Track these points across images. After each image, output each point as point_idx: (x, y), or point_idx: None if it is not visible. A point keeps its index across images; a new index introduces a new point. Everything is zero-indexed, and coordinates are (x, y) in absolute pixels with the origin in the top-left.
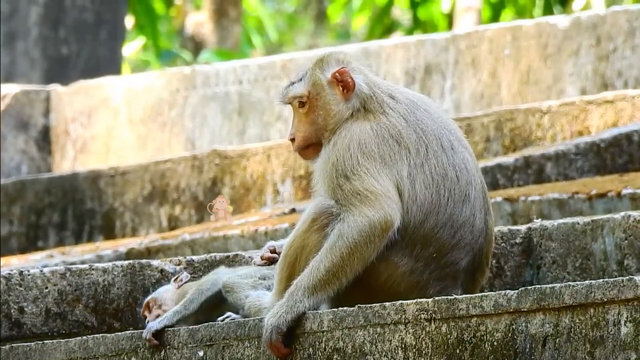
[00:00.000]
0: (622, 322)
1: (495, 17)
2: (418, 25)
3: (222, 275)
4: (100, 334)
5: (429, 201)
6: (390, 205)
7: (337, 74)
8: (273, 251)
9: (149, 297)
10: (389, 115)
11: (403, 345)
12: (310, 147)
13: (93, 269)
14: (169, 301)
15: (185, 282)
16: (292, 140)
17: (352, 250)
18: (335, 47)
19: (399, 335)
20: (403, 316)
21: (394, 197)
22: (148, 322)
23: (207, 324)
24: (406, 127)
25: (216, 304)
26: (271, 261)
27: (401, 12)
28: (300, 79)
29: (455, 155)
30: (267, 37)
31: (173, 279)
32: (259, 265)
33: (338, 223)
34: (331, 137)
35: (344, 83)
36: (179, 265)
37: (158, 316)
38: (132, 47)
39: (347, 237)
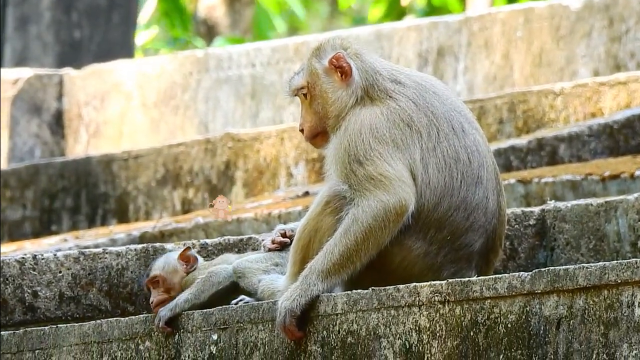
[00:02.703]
0: (636, 304)
1: (509, 2)
2: (432, 10)
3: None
4: (114, 318)
5: (442, 184)
6: (405, 190)
7: (333, 60)
8: (284, 235)
9: (158, 273)
10: (397, 100)
11: (417, 328)
12: (318, 136)
13: (107, 253)
14: (177, 286)
15: (196, 267)
16: (302, 131)
17: (367, 234)
18: (345, 30)
19: (413, 318)
20: (417, 299)
21: (408, 181)
22: (151, 301)
23: (221, 307)
24: (416, 111)
25: (229, 288)
26: (282, 245)
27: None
28: (301, 70)
29: (466, 138)
30: (288, 19)
31: (180, 253)
32: (269, 248)
33: (352, 208)
34: (341, 123)
35: (341, 69)
36: (193, 248)
37: (164, 300)
38: (146, 36)
39: (361, 222)
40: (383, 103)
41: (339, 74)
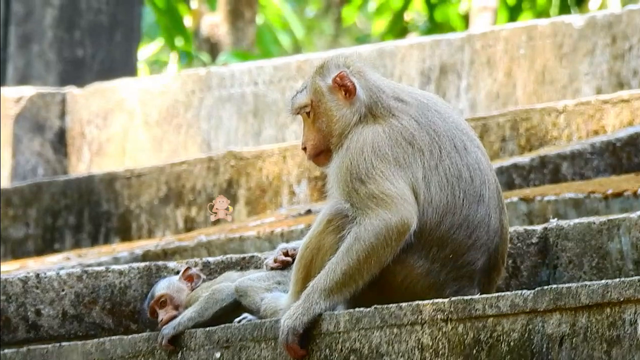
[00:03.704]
0: (639, 322)
1: (512, 20)
2: (435, 27)
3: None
4: (117, 336)
5: (444, 203)
6: (407, 208)
7: (337, 79)
8: (286, 254)
9: (163, 292)
10: (400, 118)
11: (420, 346)
12: (321, 155)
13: (109, 271)
14: (184, 303)
15: (200, 285)
16: (304, 149)
17: (369, 253)
18: (348, 48)
19: (416, 336)
20: (419, 317)
21: (410, 199)
22: (160, 319)
23: (223, 325)
24: (418, 129)
25: (232, 306)
26: (284, 264)
27: (417, 15)
28: (304, 89)
29: (468, 156)
30: (290, 36)
31: (181, 273)
32: (272, 267)
33: (355, 226)
34: (343, 142)
35: (345, 87)
36: (195, 266)
37: (174, 317)
38: (150, 49)
39: (363, 240)
40: (386, 121)
41: (343, 93)
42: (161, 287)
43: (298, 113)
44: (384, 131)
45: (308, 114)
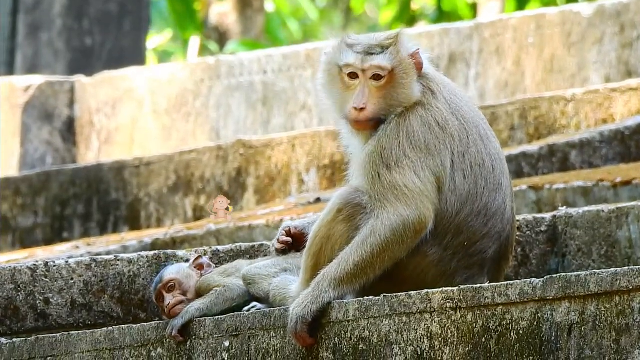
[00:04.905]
0: None
1: (520, 9)
2: (442, 16)
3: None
4: (126, 325)
5: (467, 191)
6: (426, 206)
7: (414, 55)
8: (288, 232)
9: (173, 277)
10: (439, 100)
11: (429, 334)
12: (372, 122)
13: (118, 260)
14: (193, 289)
15: (209, 273)
16: (361, 109)
17: (383, 248)
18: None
19: (425, 324)
20: (429, 305)
21: (431, 195)
22: (167, 304)
23: (232, 314)
24: (450, 114)
25: (240, 305)
26: (286, 244)
27: (425, 4)
28: (382, 51)
29: (490, 144)
30: (300, 24)
31: (192, 261)
32: (277, 248)
33: (372, 219)
34: (398, 117)
35: (418, 64)
36: (204, 255)
37: (181, 302)
38: (159, 39)
39: (379, 235)
40: (428, 102)
41: (415, 68)
42: (170, 272)
43: (365, 70)
44: (421, 116)
45: (379, 77)
